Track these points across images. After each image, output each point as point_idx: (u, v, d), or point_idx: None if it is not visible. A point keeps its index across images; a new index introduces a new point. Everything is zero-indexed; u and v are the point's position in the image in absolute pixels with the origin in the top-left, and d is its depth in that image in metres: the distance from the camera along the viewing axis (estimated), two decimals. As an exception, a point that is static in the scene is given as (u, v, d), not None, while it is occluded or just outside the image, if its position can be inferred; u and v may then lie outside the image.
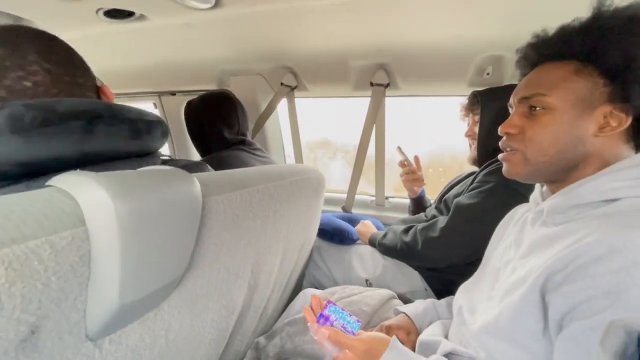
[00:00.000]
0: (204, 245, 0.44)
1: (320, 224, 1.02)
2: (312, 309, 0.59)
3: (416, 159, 1.19)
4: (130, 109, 0.47)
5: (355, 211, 1.39)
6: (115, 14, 0.86)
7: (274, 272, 0.71)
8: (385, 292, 0.84)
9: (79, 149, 0.41)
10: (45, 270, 0.25)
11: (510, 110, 0.56)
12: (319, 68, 1.22)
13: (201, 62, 1.31)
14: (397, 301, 0.86)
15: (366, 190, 1.54)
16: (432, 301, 0.75)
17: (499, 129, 0.54)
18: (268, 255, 0.64)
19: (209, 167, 0.65)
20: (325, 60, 1.15)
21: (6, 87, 0.44)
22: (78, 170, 0.31)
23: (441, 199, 1.04)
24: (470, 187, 0.91)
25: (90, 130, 0.41)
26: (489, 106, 0.93)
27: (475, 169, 1.02)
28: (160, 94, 1.69)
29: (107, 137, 0.43)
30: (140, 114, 0.48)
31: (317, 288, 0.98)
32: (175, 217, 0.35)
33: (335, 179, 1.85)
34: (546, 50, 0.52)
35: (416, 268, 0.98)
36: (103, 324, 0.31)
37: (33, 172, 0.39)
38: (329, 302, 0.58)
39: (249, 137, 1.17)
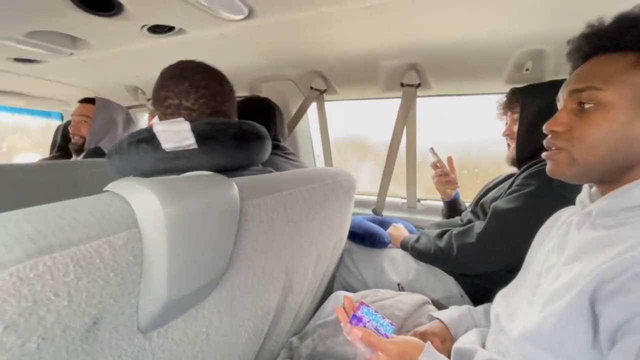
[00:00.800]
0: (241, 247, 0.46)
1: (351, 227, 1.02)
2: (344, 309, 0.59)
3: (449, 160, 1.16)
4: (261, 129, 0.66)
5: (386, 214, 1.37)
6: (158, 29, 0.93)
7: (307, 274, 0.72)
8: (418, 297, 0.82)
9: (249, 159, 0.63)
10: (105, 268, 0.27)
11: (558, 105, 0.52)
12: (348, 71, 1.22)
13: (234, 70, 1.36)
14: (431, 307, 0.83)
15: (397, 192, 1.51)
16: (468, 308, 0.73)
17: (544, 126, 0.51)
18: (301, 257, 0.66)
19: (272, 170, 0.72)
20: (355, 62, 1.15)
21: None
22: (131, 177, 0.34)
23: (477, 202, 1.00)
24: (509, 190, 0.86)
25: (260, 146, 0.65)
26: (529, 103, 0.88)
27: (514, 170, 0.97)
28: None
29: (257, 150, 0.64)
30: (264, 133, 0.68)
31: (347, 291, 0.98)
32: (216, 219, 0.37)
33: (366, 181, 1.84)
34: (601, 41, 0.48)
35: (451, 273, 0.95)
36: (152, 318, 0.34)
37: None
38: (361, 303, 0.58)
39: (282, 142, 1.20)
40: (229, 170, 0.59)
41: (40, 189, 0.98)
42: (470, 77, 1.11)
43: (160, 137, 0.54)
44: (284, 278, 0.62)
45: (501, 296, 0.64)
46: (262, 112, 1.16)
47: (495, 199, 0.90)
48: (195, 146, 0.54)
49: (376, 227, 1.13)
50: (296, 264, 0.65)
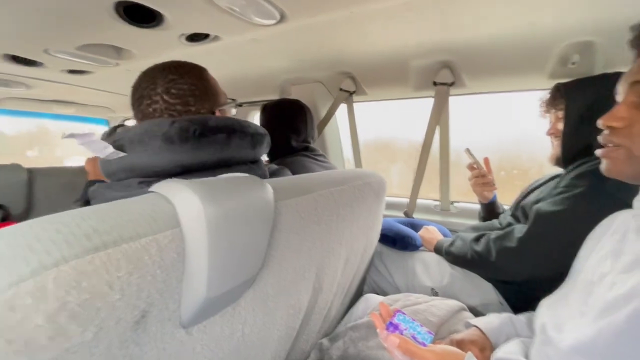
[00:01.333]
0: (275, 247, 0.47)
1: (382, 229, 1.01)
2: (380, 315, 0.58)
3: (486, 161, 1.11)
4: (249, 125, 0.59)
5: (417, 216, 1.34)
6: (194, 37, 0.97)
7: (337, 275, 0.72)
8: (454, 303, 0.79)
9: (218, 155, 0.53)
10: (153, 264, 0.29)
11: (618, 98, 0.48)
12: (378, 71, 1.21)
13: (265, 74, 1.39)
14: (468, 313, 0.80)
15: (429, 194, 1.47)
16: (509, 316, 0.69)
17: (600, 121, 0.47)
18: (332, 258, 0.66)
19: (288, 171, 0.71)
20: (385, 62, 1.13)
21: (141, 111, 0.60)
22: (174, 178, 0.36)
23: (518, 204, 0.94)
24: (554, 192, 0.81)
25: (228, 141, 0.53)
26: (576, 99, 0.82)
27: (559, 170, 0.91)
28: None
29: (237, 147, 0.55)
30: (256, 129, 0.60)
31: (377, 294, 0.96)
32: (252, 219, 0.38)
33: (396, 182, 1.80)
34: None
35: (489, 279, 0.90)
36: (193, 314, 0.35)
37: (187, 173, 0.51)
38: (397, 310, 0.57)
39: (312, 144, 1.21)
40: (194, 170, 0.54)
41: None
42: (509, 74, 1.06)
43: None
44: (314, 278, 0.62)
45: (547, 305, 0.60)
46: (293, 114, 1.18)
47: (538, 201, 0.85)
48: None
49: (407, 230, 1.11)
50: (326, 264, 0.65)
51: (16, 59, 1.20)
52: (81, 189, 1.05)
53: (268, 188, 0.41)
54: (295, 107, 1.19)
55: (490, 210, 1.13)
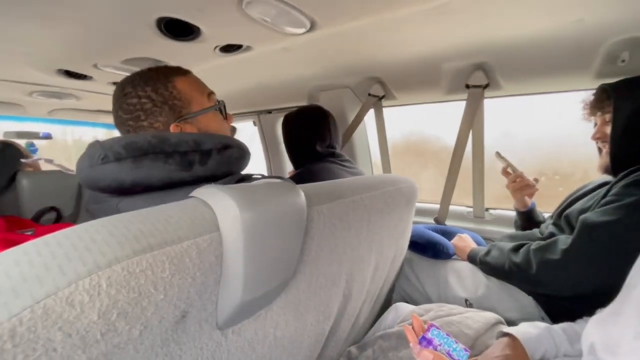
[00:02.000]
0: (306, 252, 0.47)
1: (412, 236, 0.98)
2: (413, 328, 0.57)
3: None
4: (185, 142, 0.49)
5: (449, 223, 1.29)
6: (228, 48, 1.01)
7: (366, 282, 0.71)
8: (490, 316, 0.75)
9: (130, 177, 0.46)
10: (193, 267, 0.30)
11: None
12: (408, 75, 1.19)
13: (294, 81, 1.42)
14: (505, 327, 0.76)
15: (461, 201, 1.42)
16: (547, 327, 0.64)
17: None
18: (361, 265, 0.65)
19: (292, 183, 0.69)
20: (415, 66, 1.11)
21: None
22: (213, 184, 0.37)
23: (561, 213, 0.88)
24: (603, 201, 0.75)
25: (138, 164, 0.46)
26: (627, 101, 0.76)
27: (606, 177, 0.84)
28: (258, 113, 1.89)
29: (150, 169, 0.47)
30: (197, 145, 0.50)
31: (407, 303, 0.94)
32: (286, 225, 0.39)
33: (426, 188, 1.76)
34: None
35: (529, 292, 0.85)
36: (229, 316, 0.36)
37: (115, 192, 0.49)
38: (431, 324, 0.55)
39: (338, 149, 1.21)
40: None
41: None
42: (550, 74, 1.00)
43: None
44: (344, 285, 0.62)
45: (596, 323, 0.55)
46: (316, 120, 1.19)
47: (584, 210, 0.79)
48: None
49: (439, 237, 1.07)
50: (356, 271, 0.64)
51: (69, 73, 1.31)
52: None
53: (301, 194, 0.42)
54: (318, 113, 1.20)
55: (528, 218, 1.07)
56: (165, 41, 0.94)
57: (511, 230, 1.16)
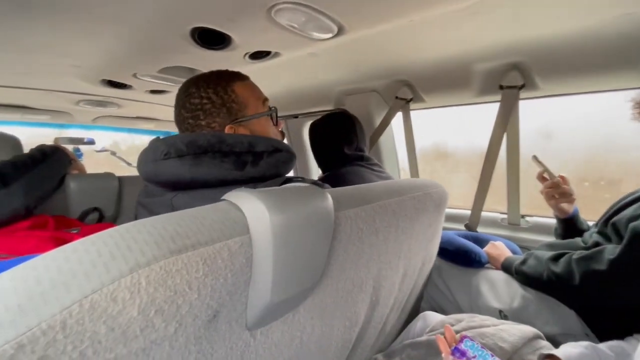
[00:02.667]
0: (334, 257, 0.47)
1: (441, 243, 0.95)
2: (445, 339, 0.55)
3: (562, 178, 0.98)
4: (241, 143, 0.54)
5: (481, 230, 1.24)
6: (257, 55, 1.04)
7: (394, 289, 0.69)
8: (527, 329, 0.71)
9: (189, 175, 0.51)
10: (225, 268, 0.31)
11: None
12: (437, 77, 1.16)
13: (321, 86, 1.43)
14: (544, 342, 0.71)
15: (494, 207, 1.35)
16: (592, 346, 0.59)
17: None
18: (389, 271, 0.64)
19: (328, 186, 0.69)
20: (445, 68, 1.09)
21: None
22: (243, 187, 0.38)
23: (607, 221, 0.82)
24: None
25: (198, 161, 0.51)
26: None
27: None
28: (285, 118, 1.92)
29: (209, 167, 0.51)
30: (251, 147, 0.54)
31: (436, 311, 0.91)
32: (314, 228, 0.39)
33: (456, 193, 1.70)
34: None
35: (572, 306, 0.79)
36: (257, 317, 0.37)
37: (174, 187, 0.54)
38: (465, 336, 0.53)
39: (366, 153, 1.20)
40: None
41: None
42: (592, 73, 0.94)
43: None
44: (371, 291, 0.61)
45: (650, 342, 0.50)
46: (342, 124, 1.18)
47: (634, 218, 0.72)
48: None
49: (470, 245, 1.03)
50: (383, 278, 0.63)
51: (111, 83, 1.41)
52: None
53: (329, 198, 0.42)
54: (343, 117, 1.20)
55: (569, 226, 1.00)
56: (198, 50, 0.99)
57: (550, 239, 1.09)
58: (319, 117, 1.25)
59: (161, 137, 0.57)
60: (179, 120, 0.63)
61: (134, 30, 0.88)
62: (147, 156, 0.52)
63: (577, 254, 0.76)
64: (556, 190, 0.97)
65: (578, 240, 0.90)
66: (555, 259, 0.81)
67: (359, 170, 1.10)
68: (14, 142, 1.00)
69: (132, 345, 0.26)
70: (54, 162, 0.89)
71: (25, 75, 1.27)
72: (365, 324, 0.64)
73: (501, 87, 1.07)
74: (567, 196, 0.96)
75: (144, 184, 0.58)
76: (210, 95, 0.62)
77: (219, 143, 0.52)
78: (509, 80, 1.04)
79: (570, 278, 0.75)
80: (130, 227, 0.29)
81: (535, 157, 1.02)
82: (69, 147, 1.04)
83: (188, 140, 0.52)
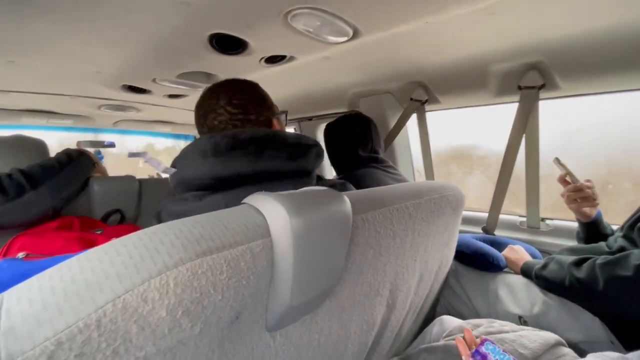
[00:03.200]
0: (351, 260, 0.47)
1: (458, 246, 0.94)
2: (465, 341, 0.54)
3: (586, 182, 0.95)
4: (287, 136, 0.57)
5: (498, 233, 1.21)
6: (273, 59, 1.05)
7: (410, 293, 0.69)
8: (549, 336, 0.69)
9: (251, 167, 0.53)
10: (247, 270, 0.32)
11: None
12: (452, 78, 1.15)
13: (334, 89, 1.43)
14: (567, 349, 0.69)
15: (512, 209, 1.32)
16: (621, 357, 0.57)
17: None
18: (406, 274, 0.63)
19: (351, 185, 0.70)
20: (461, 69, 1.07)
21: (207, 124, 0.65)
22: (263, 190, 0.39)
23: (633, 225, 0.79)
24: None
25: (260, 153, 0.53)
26: None
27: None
28: (299, 120, 1.94)
29: (271, 158, 0.54)
30: (299, 139, 0.58)
31: (452, 316, 0.89)
32: (332, 231, 0.39)
33: (472, 195, 1.67)
34: None
35: (595, 312, 0.77)
36: (277, 319, 0.37)
37: (223, 185, 0.53)
38: (485, 339, 0.52)
39: (381, 155, 1.19)
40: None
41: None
42: (616, 72, 0.91)
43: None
44: (388, 295, 0.61)
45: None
46: (356, 126, 1.18)
47: (662, 223, 0.70)
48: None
49: (488, 248, 1.01)
50: (400, 281, 0.63)
51: (131, 88, 1.45)
52: None
53: (347, 201, 0.42)
54: (358, 119, 1.20)
55: (592, 230, 0.97)
56: (216, 56, 1.01)
57: (572, 243, 1.06)
58: (332, 119, 1.25)
59: (204, 136, 0.56)
60: (224, 119, 0.64)
61: (154, 37, 0.90)
62: (205, 152, 0.52)
63: (601, 259, 0.73)
64: (578, 194, 0.94)
65: (602, 244, 0.87)
66: (578, 263, 0.78)
67: (373, 172, 1.10)
68: (41, 146, 1.05)
69: (161, 344, 0.27)
70: (79, 165, 0.93)
71: (51, 82, 1.33)
72: (381, 327, 0.64)
73: (520, 88, 1.05)
74: (590, 200, 0.93)
75: (170, 193, 0.58)
76: (254, 93, 0.66)
77: (275, 136, 0.55)
78: (528, 81, 1.01)
79: (594, 284, 0.72)
80: (157, 229, 0.30)
81: (557, 160, 0.99)
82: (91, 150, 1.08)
83: (250, 134, 0.54)
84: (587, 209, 0.94)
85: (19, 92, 1.42)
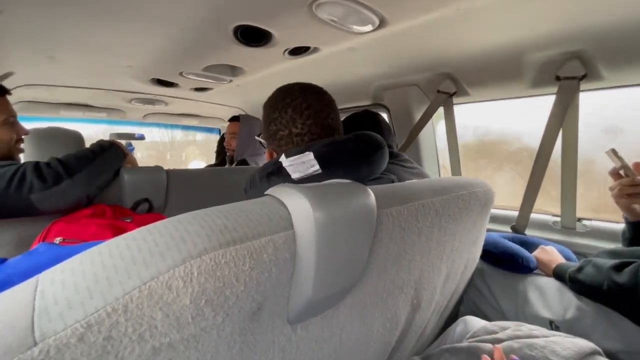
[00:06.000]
0: (374, 255, 0.46)
1: (485, 245, 0.90)
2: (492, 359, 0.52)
3: (636, 166, 0.86)
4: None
5: (529, 233, 1.15)
6: (296, 51, 1.05)
7: (436, 293, 0.67)
8: (583, 343, 0.65)
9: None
10: (269, 262, 0.32)
11: None
12: (484, 69, 1.09)
13: (359, 81, 1.41)
14: (602, 359, 0.64)
15: (545, 208, 1.25)
16: None
17: None
18: (431, 273, 0.61)
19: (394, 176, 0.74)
20: (493, 59, 1.02)
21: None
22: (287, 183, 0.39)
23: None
24: None
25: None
26: None
27: None
28: (322, 113, 1.92)
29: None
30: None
31: (477, 316, 0.86)
32: (356, 225, 0.38)
33: (502, 192, 1.60)
34: None
35: (637, 320, 0.71)
36: (299, 312, 0.37)
37: None
38: (514, 358, 0.50)
39: (395, 149, 1.16)
40: None
41: (207, 188, 1.25)
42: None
43: (288, 169, 0.57)
44: (412, 293, 0.59)
45: None
46: (365, 123, 1.15)
47: None
48: (320, 171, 0.55)
49: (517, 248, 0.96)
50: (425, 280, 0.61)
51: (159, 82, 1.50)
52: (205, 188, 1.24)
53: (371, 195, 0.41)
54: (365, 116, 1.16)
55: None
56: (240, 48, 1.02)
57: (611, 246, 0.99)
58: (355, 112, 1.23)
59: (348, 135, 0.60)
60: (334, 122, 0.67)
61: (181, 29, 0.92)
62: (367, 151, 0.58)
63: (646, 264, 0.68)
64: (634, 189, 0.85)
65: (646, 248, 0.81)
66: (619, 267, 0.73)
67: (393, 169, 1.07)
68: (77, 137, 1.10)
69: (185, 332, 0.27)
70: (110, 155, 0.97)
71: (88, 76, 1.40)
72: (406, 327, 0.63)
73: (558, 78, 0.98)
74: None
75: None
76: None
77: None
78: (568, 71, 0.95)
79: (637, 290, 0.67)
80: (182, 219, 0.30)
81: (613, 151, 0.89)
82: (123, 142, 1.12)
83: (377, 136, 0.61)
84: (638, 207, 0.86)
85: (58, 86, 1.50)
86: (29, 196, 0.77)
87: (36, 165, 0.80)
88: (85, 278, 0.24)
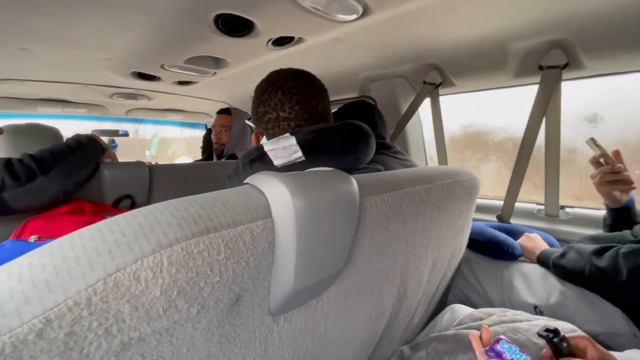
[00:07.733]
0: (359, 244, 0.45)
1: (471, 234, 0.91)
2: (481, 339, 0.52)
3: (616, 154, 0.88)
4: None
5: (514, 221, 1.17)
6: (280, 42, 1.02)
7: (422, 281, 0.67)
8: (566, 326, 0.66)
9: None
10: (247, 251, 0.30)
11: None
12: (468, 59, 1.09)
13: (344, 73, 1.39)
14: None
15: (529, 197, 1.27)
16: None
17: None
18: (417, 262, 0.61)
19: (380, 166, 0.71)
20: (478, 49, 1.02)
21: None
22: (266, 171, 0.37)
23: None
24: None
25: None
26: None
27: None
28: (309, 107, 1.90)
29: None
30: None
31: (464, 304, 0.87)
32: (338, 214, 0.37)
33: (487, 182, 1.62)
34: None
35: (617, 304, 0.73)
36: (280, 303, 0.36)
37: None
38: (501, 338, 0.51)
39: (387, 140, 1.16)
40: None
41: (192, 183, 1.22)
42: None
43: (270, 155, 0.56)
44: (398, 282, 0.59)
45: None
46: (359, 113, 1.14)
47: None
48: (304, 158, 0.54)
49: (503, 236, 0.98)
50: (411, 268, 0.61)
51: (141, 75, 1.45)
52: (191, 183, 1.21)
53: (353, 183, 0.40)
54: (359, 106, 1.15)
55: (621, 217, 0.90)
56: (222, 38, 0.99)
57: (593, 232, 1.01)
58: (342, 105, 1.22)
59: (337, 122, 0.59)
60: (323, 110, 0.65)
61: (159, 20, 0.89)
62: (352, 139, 0.57)
63: (625, 248, 0.69)
64: (615, 176, 0.86)
65: (627, 233, 0.82)
66: (600, 252, 0.74)
67: (382, 158, 1.07)
68: (55, 134, 1.06)
69: (156, 325, 0.26)
70: (88, 150, 0.93)
71: (64, 70, 1.34)
72: (392, 315, 0.62)
73: (541, 68, 0.99)
74: (627, 184, 0.86)
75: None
76: None
77: None
78: (550, 60, 0.95)
79: (617, 273, 0.69)
80: (153, 208, 0.28)
81: (592, 140, 0.91)
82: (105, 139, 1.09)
83: (363, 125, 0.60)
84: (618, 194, 0.88)
85: (32, 80, 1.44)
86: (1, 194, 0.74)
87: (7, 162, 0.76)
88: (45, 271, 0.23)
